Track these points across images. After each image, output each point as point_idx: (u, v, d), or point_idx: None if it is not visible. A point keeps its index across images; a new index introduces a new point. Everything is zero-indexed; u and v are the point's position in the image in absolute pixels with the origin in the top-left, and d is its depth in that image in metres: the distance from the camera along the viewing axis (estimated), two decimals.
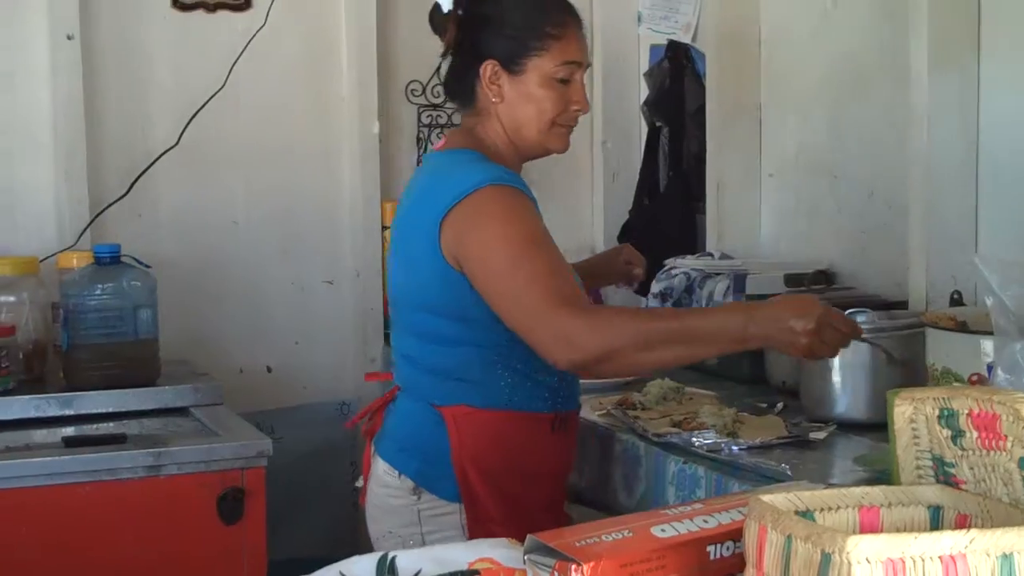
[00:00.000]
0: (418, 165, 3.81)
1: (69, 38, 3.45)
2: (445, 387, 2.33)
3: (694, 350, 2.21)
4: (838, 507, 1.34)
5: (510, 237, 2.21)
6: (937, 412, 1.34)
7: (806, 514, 1.32)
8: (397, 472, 2.36)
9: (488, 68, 2.34)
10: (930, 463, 1.38)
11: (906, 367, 2.51)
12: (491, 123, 2.38)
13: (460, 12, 2.36)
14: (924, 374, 2.32)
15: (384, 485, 2.38)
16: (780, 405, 2.73)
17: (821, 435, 2.48)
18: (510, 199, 2.25)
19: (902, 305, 2.87)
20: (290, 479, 3.63)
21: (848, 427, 2.53)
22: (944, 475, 1.36)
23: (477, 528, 2.29)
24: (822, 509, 1.33)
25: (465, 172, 2.27)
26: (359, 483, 2.53)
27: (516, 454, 2.34)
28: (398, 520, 2.36)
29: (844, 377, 2.58)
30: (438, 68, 3.83)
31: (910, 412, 1.37)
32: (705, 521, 1.38)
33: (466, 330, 2.30)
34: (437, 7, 2.39)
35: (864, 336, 2.30)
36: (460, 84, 2.40)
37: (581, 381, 2.52)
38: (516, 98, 2.35)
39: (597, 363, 2.15)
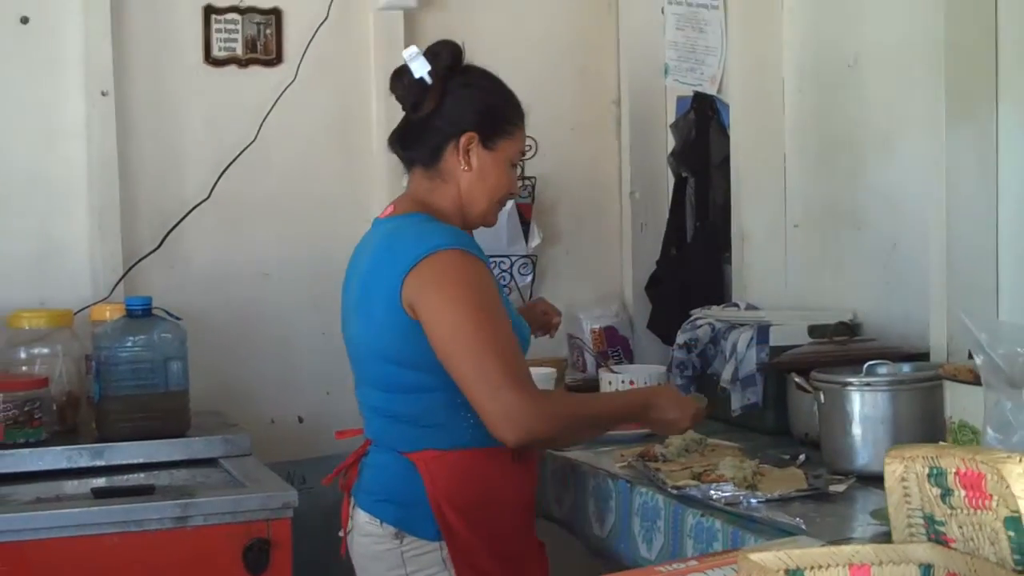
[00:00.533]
0: None
1: (104, 94, 3.51)
2: (411, 434, 2.50)
3: (603, 430, 2.79)
4: (828, 565, 1.35)
5: (465, 307, 2.41)
6: (927, 470, 1.35)
7: (796, 572, 1.33)
8: (379, 521, 2.51)
9: (467, 138, 2.54)
10: (921, 521, 1.38)
11: (926, 420, 2.52)
12: (448, 188, 2.58)
13: (443, 84, 2.54)
14: (943, 427, 2.33)
15: (367, 534, 2.53)
16: (802, 457, 2.74)
17: (840, 488, 2.48)
18: (468, 267, 2.45)
19: (924, 357, 2.87)
20: (321, 528, 3.64)
21: (868, 480, 2.52)
22: (935, 533, 1.37)
23: (460, 559, 2.47)
24: (812, 567, 1.34)
25: (423, 233, 2.47)
26: (341, 534, 2.66)
27: (485, 487, 2.50)
28: (384, 565, 2.51)
29: (864, 429, 2.59)
30: None
31: (900, 470, 1.38)
32: None
33: (427, 377, 2.45)
34: (406, 71, 2.56)
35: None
36: (423, 145, 2.57)
37: None
38: (481, 170, 2.56)
39: (535, 444, 2.49)
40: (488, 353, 2.38)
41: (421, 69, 2.54)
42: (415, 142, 2.59)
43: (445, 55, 2.56)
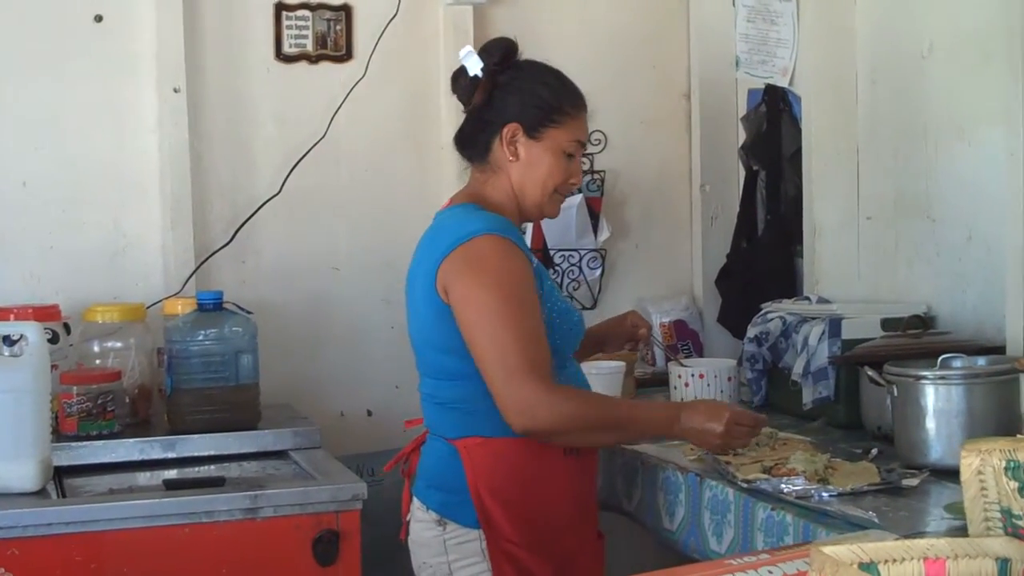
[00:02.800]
0: None
1: (176, 91, 3.54)
2: (457, 420, 2.54)
3: (626, 437, 2.70)
4: (903, 559, 1.33)
5: (493, 291, 2.44)
6: (1004, 464, 1.33)
7: (869, 566, 1.31)
8: (425, 507, 2.57)
9: (510, 129, 2.58)
10: (999, 515, 1.36)
11: (1001, 413, 2.48)
12: (500, 180, 2.62)
13: (492, 79, 2.59)
14: (1019, 421, 2.29)
15: (418, 520, 2.60)
16: (874, 451, 2.71)
17: (914, 482, 2.45)
18: (502, 250, 2.48)
19: (1000, 350, 2.82)
20: (389, 521, 3.65)
21: (942, 474, 2.49)
22: (1012, 527, 1.34)
23: (497, 552, 2.48)
24: (886, 561, 1.32)
25: (464, 221, 2.53)
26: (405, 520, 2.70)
27: (530, 479, 2.52)
28: (429, 551, 2.57)
29: (939, 423, 2.56)
30: None
31: (977, 464, 1.36)
32: (770, 572, 1.38)
33: (467, 364, 2.48)
34: (463, 70, 2.62)
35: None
36: (476, 140, 2.63)
37: None
38: (529, 160, 2.59)
39: (547, 436, 2.46)
40: (508, 338, 2.41)
41: (475, 67, 2.60)
42: (469, 138, 2.65)
43: (496, 51, 2.61)
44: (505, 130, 2.58)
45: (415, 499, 2.62)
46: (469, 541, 2.50)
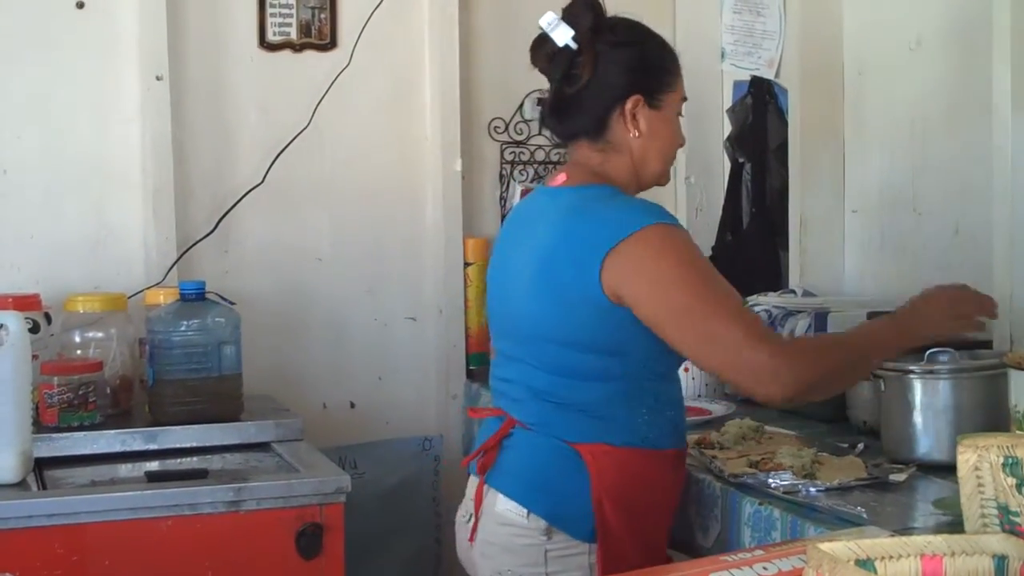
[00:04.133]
0: (504, 201, 3.87)
1: (158, 79, 3.51)
2: (583, 424, 2.33)
3: (869, 364, 2.42)
4: (899, 556, 1.32)
5: (690, 276, 2.24)
6: (1001, 460, 1.32)
7: (866, 563, 1.30)
8: (526, 511, 2.33)
9: (632, 102, 2.38)
10: (995, 511, 1.35)
11: (989, 409, 2.47)
12: (620, 157, 2.41)
13: (592, 47, 2.37)
14: (1007, 416, 2.28)
15: (506, 523, 2.35)
16: (861, 446, 2.69)
17: (901, 477, 2.44)
18: (678, 238, 2.29)
19: (987, 345, 2.82)
20: (372, 514, 3.65)
21: (929, 469, 2.48)
22: (1009, 524, 1.34)
23: (610, 564, 2.28)
24: (883, 558, 1.31)
25: (619, 210, 2.30)
26: (461, 516, 2.51)
27: (648, 492, 2.36)
28: (519, 560, 2.33)
29: (926, 418, 2.54)
30: (521, 105, 3.91)
31: (974, 460, 1.35)
32: (765, 568, 1.37)
33: (614, 364, 2.31)
34: (546, 40, 2.40)
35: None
36: (589, 116, 2.40)
37: None
38: (651, 132, 2.40)
39: (796, 396, 2.26)
40: (724, 318, 2.22)
41: (564, 36, 2.37)
42: (575, 114, 2.42)
43: (586, 16, 2.38)
44: (629, 104, 2.37)
45: (504, 499, 2.36)
46: (577, 555, 2.31)
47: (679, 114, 2.47)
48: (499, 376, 2.49)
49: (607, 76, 2.38)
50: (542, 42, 2.41)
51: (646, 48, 2.43)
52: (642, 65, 2.41)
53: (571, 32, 2.37)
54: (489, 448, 2.41)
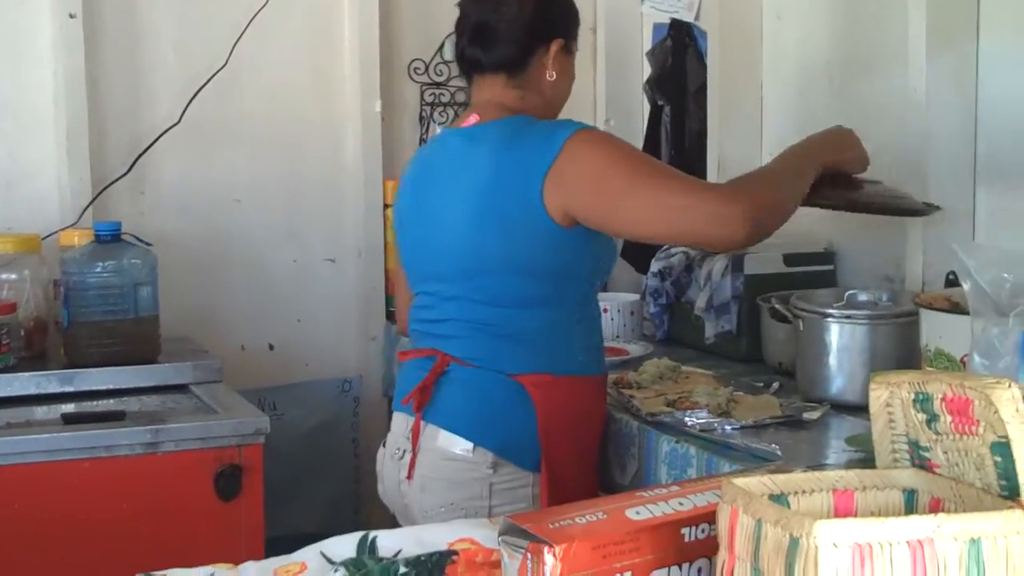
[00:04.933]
0: (424, 142, 3.85)
1: (72, 16, 3.44)
2: (524, 354, 2.39)
3: (805, 182, 2.44)
4: (812, 491, 1.34)
5: (623, 159, 2.33)
6: (912, 396, 1.34)
7: (780, 497, 1.32)
8: (472, 445, 2.37)
9: (556, 44, 2.49)
10: (906, 447, 1.38)
11: (902, 351, 2.52)
12: (532, 96, 2.49)
13: None
14: (919, 356, 2.33)
15: (450, 459, 2.39)
16: (776, 385, 2.74)
17: (815, 415, 2.48)
18: (599, 135, 2.41)
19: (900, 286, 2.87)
20: (291, 456, 3.65)
21: (843, 408, 2.54)
22: (919, 459, 1.36)
23: (553, 494, 2.34)
24: (796, 493, 1.33)
25: (547, 130, 2.38)
26: (391, 455, 2.51)
27: (586, 417, 2.47)
28: (464, 493, 2.37)
29: (841, 360, 2.59)
30: (441, 46, 3.89)
31: (886, 396, 1.37)
32: (680, 503, 1.38)
33: (558, 289, 2.40)
34: None
35: None
36: (514, 53, 2.47)
37: None
38: (563, 77, 2.52)
39: (757, 229, 2.29)
40: (667, 184, 2.29)
41: None
42: (499, 45, 2.47)
43: None
44: (554, 46, 2.48)
45: (448, 436, 2.39)
46: (521, 486, 2.37)
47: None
48: (426, 318, 2.51)
49: (537, 15, 2.47)
50: None
51: None
52: (566, 11, 2.54)
53: None
54: (426, 386, 2.43)
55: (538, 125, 2.40)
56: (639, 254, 3.67)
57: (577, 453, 2.44)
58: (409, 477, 2.45)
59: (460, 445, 2.38)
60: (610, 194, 2.30)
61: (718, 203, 2.25)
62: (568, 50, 2.53)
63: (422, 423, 2.43)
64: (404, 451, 2.47)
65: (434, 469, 2.41)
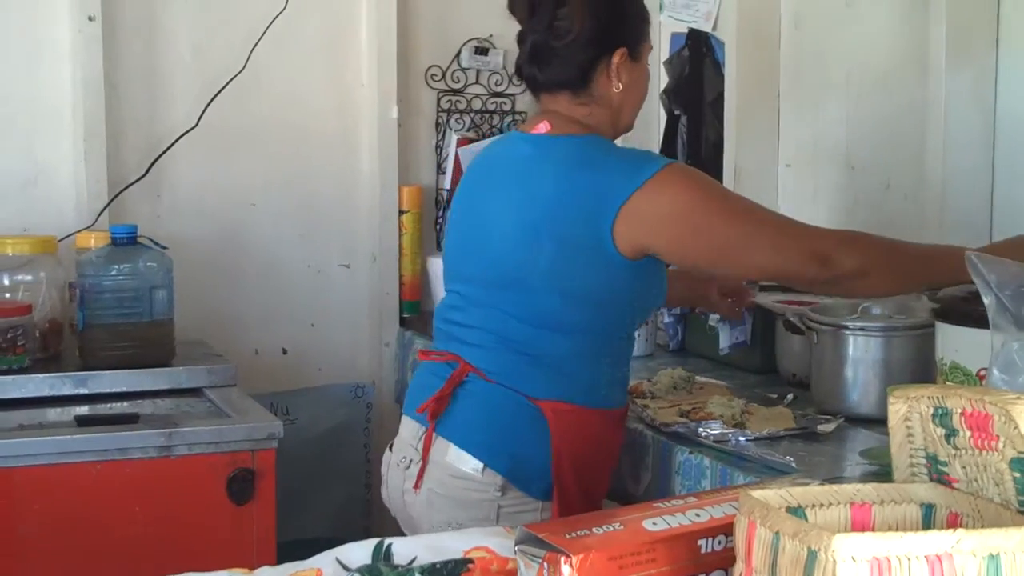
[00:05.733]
0: (440, 149, 3.85)
1: (91, 19, 3.45)
2: (548, 379, 2.31)
3: (930, 277, 2.33)
4: (830, 503, 1.33)
5: (718, 196, 2.30)
6: (931, 411, 1.34)
7: (797, 510, 1.32)
8: (482, 466, 2.29)
9: (619, 55, 2.35)
10: (924, 461, 1.37)
11: (918, 364, 2.51)
12: (601, 109, 2.37)
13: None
14: (934, 369, 2.32)
15: (459, 476, 2.31)
16: (790, 397, 2.73)
17: (829, 428, 2.47)
18: (688, 174, 2.32)
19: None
20: (304, 461, 3.65)
21: (857, 420, 2.52)
22: (937, 473, 1.36)
23: None
24: (813, 505, 1.33)
25: (631, 161, 2.29)
26: (397, 460, 2.44)
27: (601, 450, 2.39)
28: (471, 513, 2.28)
29: (855, 371, 2.58)
30: (458, 53, 3.89)
31: (904, 410, 1.37)
32: (697, 515, 1.38)
33: (599, 317, 2.31)
34: None
35: None
36: (574, 69, 2.35)
37: None
38: (631, 84, 2.38)
39: (851, 279, 2.27)
40: (772, 216, 2.29)
41: None
42: (557, 65, 2.36)
43: None
44: (616, 58, 2.34)
45: (458, 452, 2.31)
46: (529, 512, 2.28)
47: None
48: (454, 320, 2.42)
49: (594, 29, 2.33)
50: None
51: (627, 1, 2.41)
52: (626, 17, 2.38)
53: None
54: (443, 396, 2.35)
55: (620, 153, 2.33)
56: None
57: (587, 484, 2.35)
58: (416, 487, 2.37)
59: (470, 464, 2.30)
60: (704, 232, 2.25)
61: (826, 245, 2.25)
62: (634, 57, 2.37)
63: (434, 435, 2.35)
64: (411, 460, 2.39)
65: (441, 485, 2.33)
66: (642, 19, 2.41)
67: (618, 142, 2.44)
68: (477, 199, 2.44)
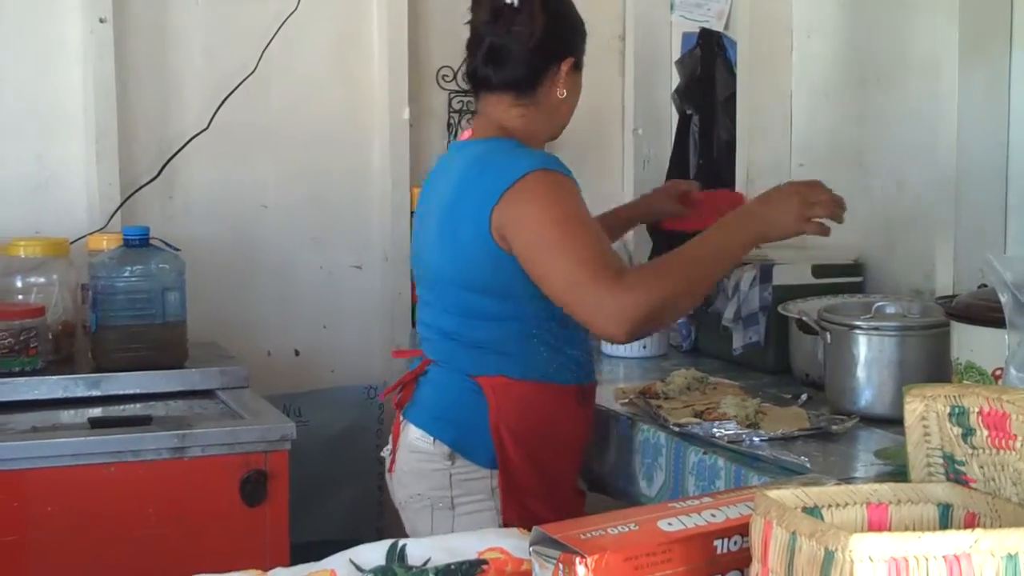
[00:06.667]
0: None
1: (102, 21, 3.45)
2: (484, 358, 2.47)
3: (715, 274, 2.45)
4: (846, 504, 1.33)
5: (557, 219, 2.34)
6: (948, 410, 1.33)
7: (813, 510, 1.31)
8: (432, 439, 2.48)
9: (567, 63, 2.51)
10: (941, 460, 1.37)
11: (932, 364, 2.50)
12: (540, 114, 2.53)
13: (544, 6, 2.49)
14: (949, 369, 2.31)
15: (417, 451, 2.50)
16: (804, 397, 2.72)
17: (843, 428, 2.47)
18: (555, 182, 2.38)
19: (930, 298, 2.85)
20: (316, 462, 3.65)
21: (871, 420, 2.52)
22: (954, 473, 1.35)
23: (508, 490, 2.45)
24: (830, 505, 1.32)
25: (513, 160, 2.41)
26: (385, 452, 2.64)
27: (547, 423, 2.48)
28: (429, 484, 2.49)
29: (869, 370, 2.58)
30: None
31: (921, 409, 1.36)
32: (713, 515, 1.37)
33: (509, 306, 2.44)
34: None
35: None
36: (525, 73, 2.50)
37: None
38: (571, 94, 2.55)
39: (635, 332, 2.30)
40: (575, 257, 2.29)
41: None
42: (511, 66, 2.49)
43: None
44: (565, 66, 2.51)
45: (415, 429, 2.51)
46: (479, 479, 2.46)
47: None
48: (419, 320, 2.64)
49: (550, 35, 2.49)
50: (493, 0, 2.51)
51: (574, 14, 2.57)
52: (576, 29, 2.56)
53: None
54: (405, 384, 2.58)
55: (511, 151, 2.45)
56: None
57: (537, 456, 2.47)
58: (391, 471, 2.59)
59: (423, 438, 2.49)
60: (533, 251, 2.34)
61: (609, 297, 2.26)
62: (578, 67, 2.56)
63: (402, 420, 2.56)
64: (389, 449, 2.61)
65: (405, 462, 2.54)
66: (584, 34, 2.57)
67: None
68: (421, 210, 2.64)
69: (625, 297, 2.26)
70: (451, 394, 2.50)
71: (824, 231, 2.41)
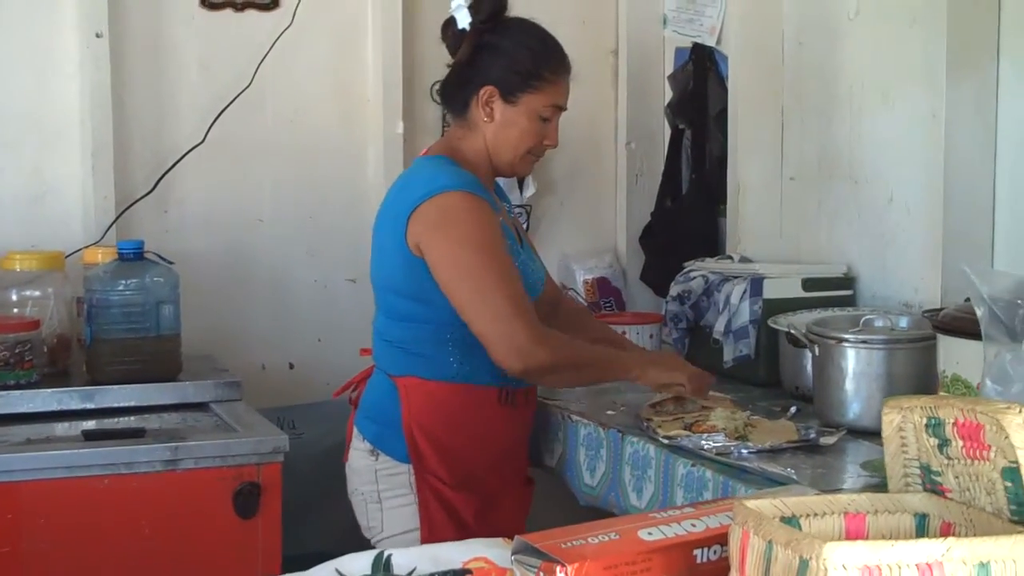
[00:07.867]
0: None
1: (98, 36, 3.47)
2: (400, 359, 2.65)
3: (602, 377, 2.74)
4: (824, 513, 1.35)
5: (469, 243, 2.53)
6: (924, 421, 1.35)
7: (791, 520, 1.33)
8: (361, 436, 2.70)
9: (487, 91, 2.64)
10: (918, 471, 1.38)
11: (919, 377, 2.52)
12: (475, 137, 2.69)
13: (478, 36, 2.64)
14: (936, 382, 2.33)
15: (355, 448, 2.73)
16: (793, 409, 2.74)
17: (831, 440, 2.49)
18: (471, 205, 2.55)
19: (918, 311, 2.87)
20: (310, 475, 3.65)
21: (859, 433, 2.54)
22: (931, 483, 1.37)
23: (424, 485, 2.61)
24: (808, 515, 1.34)
25: (434, 174, 2.61)
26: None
27: (460, 422, 2.63)
28: (362, 479, 2.70)
29: (857, 383, 2.60)
30: None
31: (898, 420, 1.38)
32: (693, 525, 1.39)
33: (423, 309, 2.60)
34: (452, 21, 2.67)
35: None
36: (457, 95, 2.70)
37: None
38: (504, 122, 2.67)
39: (535, 374, 2.56)
40: (492, 287, 2.50)
41: (463, 20, 2.64)
42: (450, 92, 2.73)
43: (486, 8, 2.64)
44: (482, 92, 2.64)
45: (353, 427, 2.74)
46: (399, 474, 2.63)
47: (545, 119, 2.68)
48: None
49: (478, 63, 2.65)
50: (448, 22, 2.69)
51: (521, 49, 2.66)
52: (507, 63, 2.65)
53: (469, 19, 2.64)
54: (356, 383, 2.84)
55: (434, 169, 2.63)
56: (659, 278, 3.69)
57: (451, 454, 2.62)
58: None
59: (356, 435, 2.72)
60: (445, 270, 2.54)
61: (526, 338, 2.48)
62: (508, 100, 2.65)
63: (353, 419, 2.78)
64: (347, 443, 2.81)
65: (350, 459, 2.76)
66: (528, 72, 2.65)
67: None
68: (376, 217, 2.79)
69: (538, 346, 2.48)
70: (375, 393, 2.72)
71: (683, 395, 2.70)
